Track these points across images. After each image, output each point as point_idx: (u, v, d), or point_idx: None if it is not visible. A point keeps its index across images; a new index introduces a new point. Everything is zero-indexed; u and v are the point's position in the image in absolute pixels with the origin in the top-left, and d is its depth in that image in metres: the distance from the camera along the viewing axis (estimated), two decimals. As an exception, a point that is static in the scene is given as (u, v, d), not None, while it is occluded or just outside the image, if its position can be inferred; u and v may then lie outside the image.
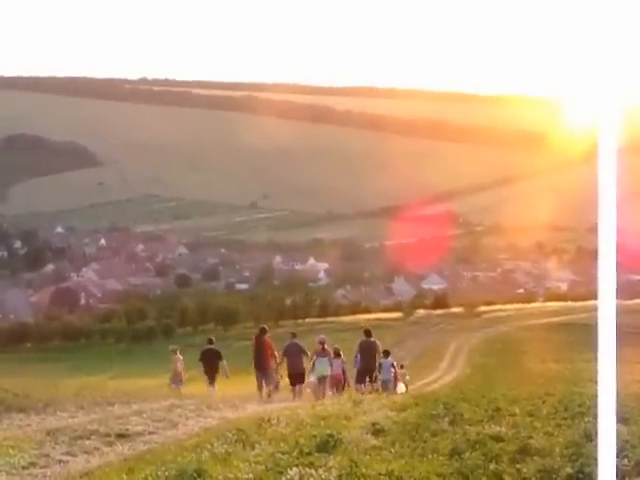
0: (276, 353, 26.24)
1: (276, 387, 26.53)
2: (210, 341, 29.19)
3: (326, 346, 27.68)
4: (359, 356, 27.08)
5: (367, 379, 26.54)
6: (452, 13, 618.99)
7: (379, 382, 28.54)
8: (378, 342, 27.64)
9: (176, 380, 29.85)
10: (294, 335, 27.31)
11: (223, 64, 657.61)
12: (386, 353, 30.23)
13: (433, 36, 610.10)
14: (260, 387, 25.43)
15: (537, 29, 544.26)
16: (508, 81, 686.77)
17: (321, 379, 27.04)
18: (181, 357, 30.52)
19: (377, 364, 28.07)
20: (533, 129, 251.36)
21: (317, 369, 27.10)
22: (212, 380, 27.56)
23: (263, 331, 26.54)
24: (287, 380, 26.64)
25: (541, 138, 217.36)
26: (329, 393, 26.74)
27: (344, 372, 29.41)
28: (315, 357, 27.36)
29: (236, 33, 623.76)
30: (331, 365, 27.38)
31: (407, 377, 38.00)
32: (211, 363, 27.58)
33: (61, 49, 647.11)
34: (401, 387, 32.09)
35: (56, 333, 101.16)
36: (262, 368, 25.52)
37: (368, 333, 27.57)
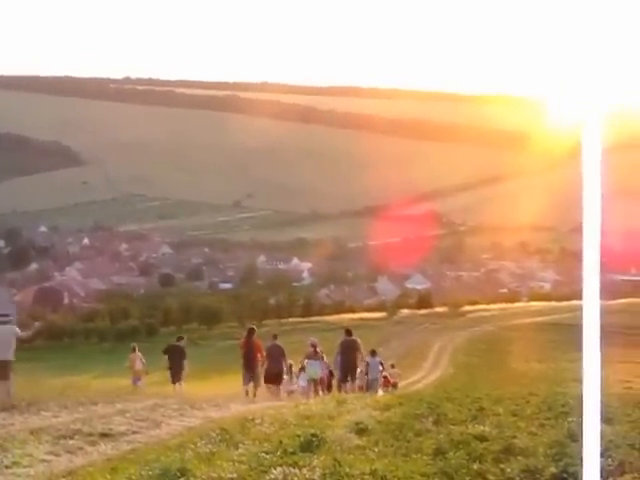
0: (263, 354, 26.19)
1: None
2: (179, 338, 29.23)
3: (318, 349, 27.57)
4: (340, 356, 26.67)
5: (349, 378, 26.36)
6: (436, 13, 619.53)
7: (366, 381, 28.53)
8: (359, 340, 27.36)
9: (135, 379, 29.93)
10: (275, 337, 27.23)
11: (207, 64, 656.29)
12: (373, 352, 30.22)
13: (417, 35, 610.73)
14: (247, 385, 25.26)
15: (520, 29, 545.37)
16: (492, 81, 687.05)
17: (310, 382, 26.96)
18: (139, 354, 30.57)
19: (364, 363, 28.05)
20: (517, 129, 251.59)
21: (308, 372, 27.03)
22: (175, 378, 27.51)
23: (252, 332, 26.40)
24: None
25: (525, 138, 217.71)
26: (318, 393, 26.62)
27: (331, 373, 29.37)
28: (306, 360, 27.31)
29: (219, 33, 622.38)
30: (322, 368, 27.37)
31: (397, 379, 38.05)
32: (175, 360, 27.57)
33: (45, 48, 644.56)
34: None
35: (39, 332, 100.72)
36: (252, 369, 25.40)
37: (349, 332, 27.29)
